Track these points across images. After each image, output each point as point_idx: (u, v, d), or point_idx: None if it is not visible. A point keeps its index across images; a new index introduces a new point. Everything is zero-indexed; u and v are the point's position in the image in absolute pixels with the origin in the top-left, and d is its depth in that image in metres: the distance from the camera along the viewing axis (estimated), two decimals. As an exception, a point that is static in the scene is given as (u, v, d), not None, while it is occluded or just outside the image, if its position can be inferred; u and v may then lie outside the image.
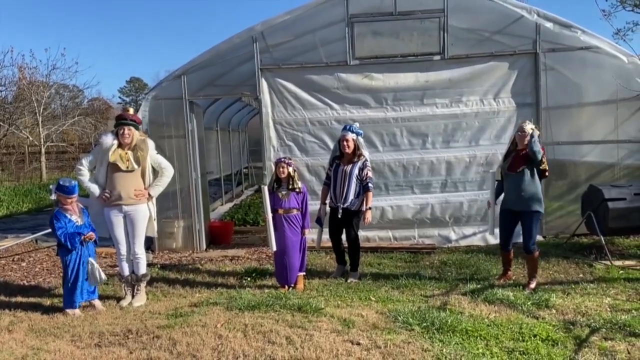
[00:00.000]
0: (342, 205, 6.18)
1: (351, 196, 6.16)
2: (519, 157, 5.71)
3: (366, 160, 6.26)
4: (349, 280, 6.25)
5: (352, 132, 6.22)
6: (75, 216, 5.33)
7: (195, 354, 3.97)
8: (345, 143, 6.19)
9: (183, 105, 7.97)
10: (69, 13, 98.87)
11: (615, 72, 7.57)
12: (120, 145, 5.46)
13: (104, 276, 5.44)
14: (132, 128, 5.46)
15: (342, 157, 6.30)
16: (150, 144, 5.64)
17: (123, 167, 5.39)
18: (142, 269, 5.71)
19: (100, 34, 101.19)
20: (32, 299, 5.90)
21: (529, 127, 5.69)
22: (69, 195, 5.29)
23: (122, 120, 5.48)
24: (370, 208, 6.20)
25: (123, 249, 5.62)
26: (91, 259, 5.35)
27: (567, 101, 8.16)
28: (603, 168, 8.20)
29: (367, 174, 6.18)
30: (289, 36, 7.98)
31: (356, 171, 6.17)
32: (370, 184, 6.20)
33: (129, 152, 5.46)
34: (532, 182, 5.62)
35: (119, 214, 5.52)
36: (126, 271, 5.67)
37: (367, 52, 7.93)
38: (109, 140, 5.46)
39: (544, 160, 5.58)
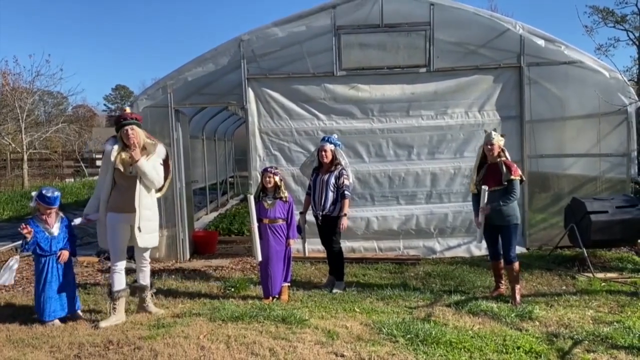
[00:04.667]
0: (321, 213, 6.28)
1: (329, 204, 6.25)
2: (491, 173, 5.74)
3: (343, 169, 6.34)
4: (333, 291, 6.24)
5: (331, 142, 6.33)
6: (48, 226, 5.20)
7: (177, 365, 3.92)
8: (323, 153, 6.29)
9: (169, 114, 7.92)
10: (54, 20, 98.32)
11: (598, 86, 7.68)
12: (125, 148, 5.12)
13: (9, 281, 5.27)
14: (134, 127, 5.09)
15: (320, 167, 6.40)
16: (160, 151, 5.27)
17: (125, 171, 5.09)
18: (144, 280, 5.44)
19: (86, 41, 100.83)
20: (10, 309, 5.78)
21: (497, 138, 5.72)
22: (49, 206, 5.18)
23: (123, 121, 5.11)
24: (345, 214, 6.26)
25: (119, 260, 5.23)
26: (15, 257, 5.17)
27: (550, 114, 8.27)
28: (586, 181, 8.30)
29: (343, 182, 6.25)
30: (276, 46, 8.00)
31: (333, 180, 6.26)
32: (346, 192, 6.27)
33: (136, 150, 5.07)
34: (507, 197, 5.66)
35: (123, 222, 5.15)
36: (117, 285, 5.22)
37: (354, 63, 7.97)
38: (109, 146, 5.19)
39: (514, 177, 5.60)
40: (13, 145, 22.93)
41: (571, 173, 8.46)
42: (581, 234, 6.85)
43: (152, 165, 5.15)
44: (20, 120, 20.74)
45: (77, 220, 5.24)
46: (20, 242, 8.62)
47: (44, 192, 5.18)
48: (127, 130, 5.07)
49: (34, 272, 5.34)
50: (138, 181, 5.11)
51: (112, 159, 5.09)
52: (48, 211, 5.21)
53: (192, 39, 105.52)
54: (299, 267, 7.31)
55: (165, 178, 5.41)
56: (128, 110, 5.36)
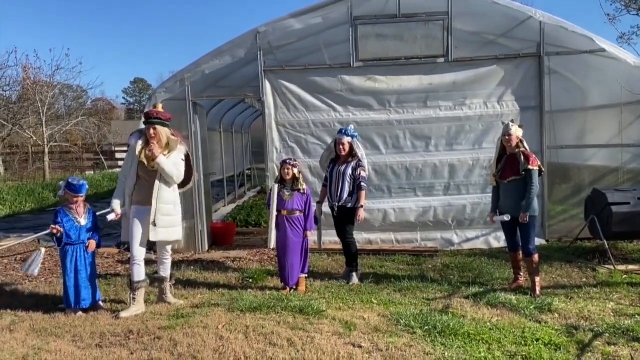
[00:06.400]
0: (337, 204, 6.29)
1: (345, 195, 6.26)
2: (509, 164, 5.70)
3: (360, 160, 6.32)
4: (350, 283, 6.25)
5: (348, 135, 6.30)
6: (77, 216, 5.34)
7: (196, 355, 3.96)
8: (341, 146, 6.28)
9: (186, 107, 7.97)
10: (73, 14, 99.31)
11: (620, 75, 7.53)
12: (148, 143, 5.21)
13: (36, 272, 5.37)
14: (158, 127, 5.19)
15: (337, 159, 6.40)
16: (181, 148, 5.36)
17: (148, 166, 5.19)
18: (164, 272, 5.54)
19: (105, 34, 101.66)
20: (33, 299, 5.90)
21: (514, 129, 5.66)
22: (75, 194, 5.30)
23: (148, 120, 5.24)
24: (362, 206, 6.25)
25: (140, 252, 5.28)
26: (43, 249, 5.30)
27: (571, 105, 8.14)
28: (607, 172, 8.17)
29: (360, 173, 6.25)
30: (292, 38, 7.99)
31: (349, 171, 6.26)
32: (363, 183, 6.26)
33: (155, 145, 5.17)
34: (525, 189, 5.60)
35: (145, 215, 5.21)
36: (137, 276, 5.28)
37: (371, 54, 7.92)
38: (133, 140, 5.30)
39: (532, 167, 5.52)
40: (34, 138, 23.26)
41: (592, 164, 8.33)
42: (602, 226, 6.75)
43: (172, 162, 5.26)
44: (41, 114, 20.98)
45: (111, 217, 5.28)
46: (42, 233, 8.81)
47: (70, 180, 5.34)
48: (149, 129, 5.20)
49: (61, 262, 5.44)
50: (158, 176, 5.22)
51: (137, 153, 5.19)
52: (75, 200, 5.33)
53: (211, 32, 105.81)
54: (316, 259, 7.33)
55: (189, 175, 5.52)
56: (160, 107, 5.39)
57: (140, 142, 5.25)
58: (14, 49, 31.86)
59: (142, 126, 5.46)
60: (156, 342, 4.24)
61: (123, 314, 5.11)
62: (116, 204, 5.32)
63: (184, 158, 5.40)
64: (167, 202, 5.29)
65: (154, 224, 5.18)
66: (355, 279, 6.32)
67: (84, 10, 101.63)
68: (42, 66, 24.46)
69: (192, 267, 7.10)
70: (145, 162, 5.18)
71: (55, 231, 5.21)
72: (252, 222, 10.32)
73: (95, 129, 27.43)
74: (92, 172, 24.05)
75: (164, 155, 5.22)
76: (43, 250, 5.45)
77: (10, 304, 5.64)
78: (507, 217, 5.67)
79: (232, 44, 7.86)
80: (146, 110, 5.76)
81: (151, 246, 5.57)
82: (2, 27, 77.78)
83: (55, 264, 7.50)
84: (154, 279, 5.59)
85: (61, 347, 4.26)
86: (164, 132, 5.25)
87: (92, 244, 5.40)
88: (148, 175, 5.24)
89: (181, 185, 5.56)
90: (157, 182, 5.20)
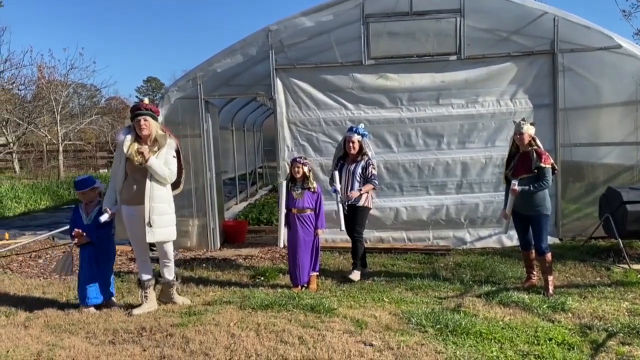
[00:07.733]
0: (347, 202, 6.28)
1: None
2: (522, 162, 5.65)
3: (369, 159, 6.32)
4: (350, 276, 6.27)
5: (358, 133, 6.29)
6: (85, 214, 5.33)
7: (208, 352, 3.98)
8: (350, 144, 6.27)
9: (198, 105, 8.01)
10: (87, 13, 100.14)
11: (636, 72, 7.44)
12: (138, 139, 5.02)
13: (71, 271, 5.39)
14: (148, 118, 4.96)
15: (346, 157, 6.38)
16: (171, 143, 5.09)
17: (135, 162, 4.93)
18: (169, 275, 5.34)
19: (118, 33, 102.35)
20: (48, 296, 5.97)
21: (526, 127, 5.60)
22: (77, 190, 5.36)
23: (137, 112, 4.99)
24: (361, 190, 6.23)
25: (140, 251, 5.25)
26: (68, 248, 5.29)
27: (585, 102, 8.05)
28: (622, 170, 8.07)
29: (370, 172, 6.26)
30: (304, 35, 7.98)
31: (359, 170, 6.27)
32: (375, 180, 6.27)
33: (144, 147, 4.94)
34: None
35: (135, 213, 5.02)
36: (144, 275, 5.26)
37: (383, 52, 7.90)
38: (121, 136, 5.10)
39: (544, 165, 5.46)
40: (49, 137, 23.52)
41: (606, 162, 8.24)
42: (617, 225, 6.68)
43: (163, 161, 5.01)
44: (56, 113, 21.20)
45: (103, 217, 5.09)
46: (56, 230, 8.91)
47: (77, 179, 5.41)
48: (140, 120, 4.97)
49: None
50: (149, 174, 4.98)
51: (125, 149, 4.99)
52: (80, 194, 5.36)
53: (222, 31, 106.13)
54: (327, 257, 7.33)
55: (179, 174, 5.24)
56: (146, 101, 5.21)
57: (129, 137, 5.04)
58: (29, 48, 32.23)
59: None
60: (168, 339, 4.26)
61: (135, 311, 5.14)
62: (107, 203, 5.14)
63: (175, 154, 5.12)
64: (162, 201, 5.05)
65: (149, 225, 4.94)
66: (356, 275, 6.32)
67: (97, 10, 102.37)
68: (57, 65, 24.83)
69: (204, 265, 7.14)
70: (134, 160, 4.96)
71: (74, 234, 5.21)
72: (264, 220, 10.35)
73: (109, 128, 27.65)
74: (106, 170, 24.25)
75: (154, 152, 4.99)
76: (67, 251, 5.47)
77: (25, 300, 5.72)
78: (515, 182, 5.56)
79: (244, 43, 7.88)
80: (131, 107, 5.41)
81: (152, 244, 5.46)
82: (17, 28, 78.81)
83: (69, 261, 7.57)
84: (159, 282, 5.47)
85: (75, 343, 4.30)
86: (154, 124, 5.04)
87: (79, 234, 5.23)
88: (136, 172, 5.02)
89: (172, 187, 5.29)
90: (148, 182, 4.95)
